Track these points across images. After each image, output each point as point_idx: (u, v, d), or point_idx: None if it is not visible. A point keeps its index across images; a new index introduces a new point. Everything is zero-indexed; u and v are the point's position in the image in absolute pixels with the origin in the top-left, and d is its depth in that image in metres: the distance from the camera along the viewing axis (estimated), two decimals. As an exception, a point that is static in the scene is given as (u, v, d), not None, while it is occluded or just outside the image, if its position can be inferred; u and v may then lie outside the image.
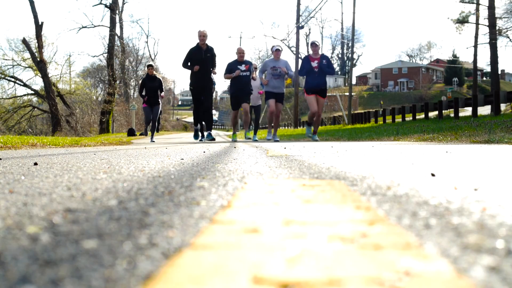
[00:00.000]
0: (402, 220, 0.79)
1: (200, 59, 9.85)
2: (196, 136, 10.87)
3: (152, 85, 11.75)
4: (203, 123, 10.64)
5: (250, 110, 11.43)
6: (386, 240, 0.64)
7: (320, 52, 10.00)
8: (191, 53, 9.93)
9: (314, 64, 9.63)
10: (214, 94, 11.31)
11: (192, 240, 0.66)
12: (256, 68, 11.20)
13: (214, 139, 10.81)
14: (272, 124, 10.60)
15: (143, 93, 11.87)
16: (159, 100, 11.91)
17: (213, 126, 9.07)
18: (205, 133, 10.72)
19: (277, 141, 9.83)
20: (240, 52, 10.42)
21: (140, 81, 12.16)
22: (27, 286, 0.47)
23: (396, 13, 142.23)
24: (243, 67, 10.25)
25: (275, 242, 0.64)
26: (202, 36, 9.89)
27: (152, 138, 11.71)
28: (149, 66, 11.97)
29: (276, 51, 10.39)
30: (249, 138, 11.56)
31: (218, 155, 3.17)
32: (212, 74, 10.15)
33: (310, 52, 10.10)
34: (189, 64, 9.95)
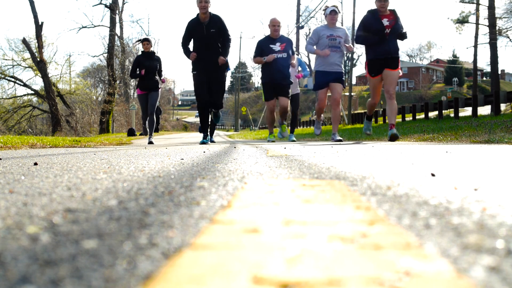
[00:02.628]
0: (402, 220, 0.79)
1: (202, 36, 7.03)
2: (205, 139, 7.65)
3: (149, 65, 8.95)
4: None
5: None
6: (386, 240, 0.64)
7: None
8: (190, 27, 7.13)
9: (385, 22, 6.47)
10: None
11: (192, 240, 0.66)
12: (295, 52, 8.21)
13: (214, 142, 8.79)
14: (321, 119, 8.12)
15: (137, 72, 9.03)
16: (159, 85, 9.16)
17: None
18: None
19: (340, 140, 7.07)
20: (274, 25, 7.56)
21: (133, 60, 9.44)
22: (27, 286, 0.47)
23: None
24: (277, 47, 7.54)
25: (275, 242, 0.64)
26: (204, 2, 6.84)
27: (150, 137, 9.00)
28: (145, 40, 9.16)
29: (332, 14, 7.19)
30: (282, 137, 8.88)
31: (218, 155, 3.17)
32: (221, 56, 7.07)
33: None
34: (189, 46, 7.23)
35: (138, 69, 9.15)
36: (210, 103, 7.40)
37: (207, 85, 7.28)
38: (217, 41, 7.14)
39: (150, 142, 8.99)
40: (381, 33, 6.44)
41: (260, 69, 8.15)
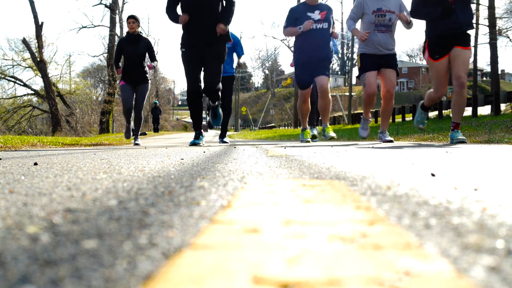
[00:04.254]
0: (402, 220, 0.79)
1: None
2: (197, 139, 5.97)
3: (134, 50, 7.21)
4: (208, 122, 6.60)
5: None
6: (386, 240, 0.64)
7: None
8: None
9: None
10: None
11: (192, 240, 0.66)
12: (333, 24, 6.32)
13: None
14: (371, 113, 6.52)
15: (120, 65, 7.37)
16: (147, 75, 7.37)
17: (213, 127, 6.79)
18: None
19: (391, 141, 5.85)
20: None
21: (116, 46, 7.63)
22: (27, 286, 0.47)
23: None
24: (316, 15, 5.98)
25: (275, 242, 0.64)
26: None
27: (136, 139, 7.55)
28: (130, 18, 7.31)
29: None
30: (315, 138, 7.04)
31: (218, 155, 3.17)
32: (221, 26, 5.30)
33: None
34: (177, 11, 5.52)
35: (121, 58, 7.40)
36: (207, 90, 5.61)
37: (200, 65, 5.62)
38: (214, 4, 5.35)
39: (136, 144, 7.54)
40: (444, 1, 4.84)
41: (293, 46, 6.32)
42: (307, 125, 6.83)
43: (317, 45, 6.13)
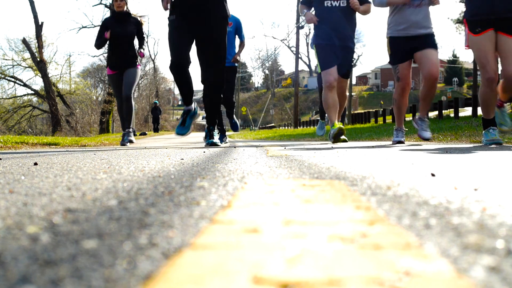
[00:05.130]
0: (402, 220, 0.79)
1: None
2: (208, 138, 5.21)
3: (121, 31, 6.36)
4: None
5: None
6: (386, 240, 0.64)
7: None
8: None
9: None
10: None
11: (192, 240, 0.66)
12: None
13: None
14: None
15: (106, 44, 6.45)
16: (136, 60, 6.57)
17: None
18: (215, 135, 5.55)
19: (427, 138, 5.21)
20: None
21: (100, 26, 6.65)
22: (27, 286, 0.47)
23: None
24: None
25: (275, 242, 0.64)
26: None
27: (128, 136, 6.65)
28: None
29: None
30: (339, 138, 5.47)
31: (218, 155, 3.17)
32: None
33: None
34: None
35: (105, 39, 6.45)
36: (207, 76, 4.59)
37: (189, 37, 4.66)
38: None
39: (130, 141, 6.73)
40: None
41: (313, 27, 5.49)
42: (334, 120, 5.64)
43: (336, 23, 5.27)
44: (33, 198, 1.08)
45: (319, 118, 7.50)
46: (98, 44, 6.67)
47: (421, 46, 4.89)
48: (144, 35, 6.78)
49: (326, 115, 6.04)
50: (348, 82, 6.39)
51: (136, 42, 6.91)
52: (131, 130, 6.92)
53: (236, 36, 7.09)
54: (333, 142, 5.61)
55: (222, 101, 5.84)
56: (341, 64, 5.47)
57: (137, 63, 6.73)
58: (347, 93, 6.72)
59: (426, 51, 4.89)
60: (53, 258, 0.57)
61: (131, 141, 6.91)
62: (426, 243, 0.63)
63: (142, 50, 6.76)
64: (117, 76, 6.65)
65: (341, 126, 5.55)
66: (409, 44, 4.93)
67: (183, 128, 5.24)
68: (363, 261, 0.54)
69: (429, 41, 4.91)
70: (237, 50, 7.08)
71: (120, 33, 6.45)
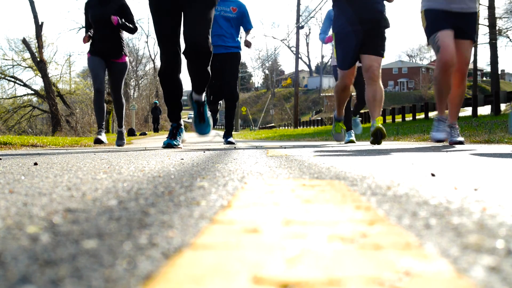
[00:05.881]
0: (402, 220, 0.79)
1: None
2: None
3: (103, 13, 5.56)
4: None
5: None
6: (386, 240, 0.64)
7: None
8: None
9: None
10: None
11: (192, 240, 0.66)
12: None
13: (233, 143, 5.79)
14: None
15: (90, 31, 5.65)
16: (122, 49, 5.75)
17: (214, 126, 5.86)
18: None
19: (461, 142, 4.40)
20: None
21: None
22: (27, 286, 0.47)
23: (396, 13, 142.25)
24: None
25: (275, 242, 0.64)
26: None
27: (121, 137, 6.22)
28: None
29: None
30: (379, 140, 4.86)
31: (218, 155, 3.17)
32: None
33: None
34: None
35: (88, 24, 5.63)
36: (189, 49, 3.70)
37: (176, 18, 3.83)
38: None
39: (120, 145, 6.09)
40: None
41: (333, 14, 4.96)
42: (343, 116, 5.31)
43: (364, 4, 4.66)
44: (33, 198, 1.08)
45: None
46: (87, 32, 5.85)
47: (461, 32, 4.09)
48: (134, 18, 5.81)
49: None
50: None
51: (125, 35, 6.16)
52: (123, 130, 6.39)
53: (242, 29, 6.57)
54: (372, 142, 4.99)
55: (225, 94, 5.31)
56: (365, 44, 4.75)
57: (123, 54, 5.89)
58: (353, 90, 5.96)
59: (464, 43, 4.13)
60: (53, 258, 0.57)
61: (121, 146, 6.27)
62: (426, 243, 0.63)
63: (120, 19, 5.63)
64: (99, 61, 5.74)
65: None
66: (450, 19, 4.10)
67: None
68: (363, 261, 0.54)
69: (470, 27, 4.14)
70: (242, 41, 6.53)
71: (101, 16, 5.57)
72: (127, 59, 6.02)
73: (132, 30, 5.73)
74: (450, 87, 4.12)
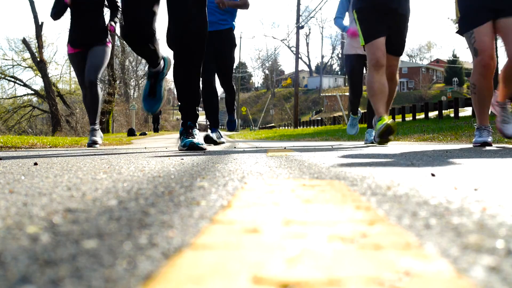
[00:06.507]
0: (402, 220, 0.79)
1: None
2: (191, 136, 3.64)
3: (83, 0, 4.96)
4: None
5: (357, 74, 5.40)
6: (386, 240, 0.64)
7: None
8: None
9: None
10: None
11: (192, 240, 0.66)
12: None
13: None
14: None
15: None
16: (106, 36, 5.27)
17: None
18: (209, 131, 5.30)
19: (488, 143, 3.96)
20: None
21: None
22: (27, 286, 0.47)
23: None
24: None
25: (275, 242, 0.64)
26: None
27: (93, 134, 5.39)
28: None
29: None
30: (388, 137, 4.48)
31: (218, 155, 3.17)
32: None
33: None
34: None
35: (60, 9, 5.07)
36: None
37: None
38: None
39: (94, 142, 5.36)
40: None
41: None
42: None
43: None
44: (33, 198, 1.08)
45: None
46: (55, 13, 5.15)
47: (508, 9, 3.35)
48: (118, 3, 5.25)
49: (359, 108, 5.06)
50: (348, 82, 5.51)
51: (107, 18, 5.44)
52: (97, 127, 5.50)
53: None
54: (379, 143, 4.52)
55: (223, 87, 4.74)
56: (390, 37, 4.23)
57: (107, 40, 5.34)
58: (348, 93, 5.76)
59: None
60: (53, 258, 0.57)
61: (95, 142, 5.43)
62: (426, 243, 0.63)
63: (113, 23, 5.31)
64: (81, 56, 5.21)
65: (391, 121, 4.23)
66: (490, 2, 3.46)
67: (153, 101, 3.54)
68: (363, 261, 0.54)
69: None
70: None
71: (82, 2, 4.98)
72: (110, 45, 5.47)
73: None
74: (492, 92, 3.70)
